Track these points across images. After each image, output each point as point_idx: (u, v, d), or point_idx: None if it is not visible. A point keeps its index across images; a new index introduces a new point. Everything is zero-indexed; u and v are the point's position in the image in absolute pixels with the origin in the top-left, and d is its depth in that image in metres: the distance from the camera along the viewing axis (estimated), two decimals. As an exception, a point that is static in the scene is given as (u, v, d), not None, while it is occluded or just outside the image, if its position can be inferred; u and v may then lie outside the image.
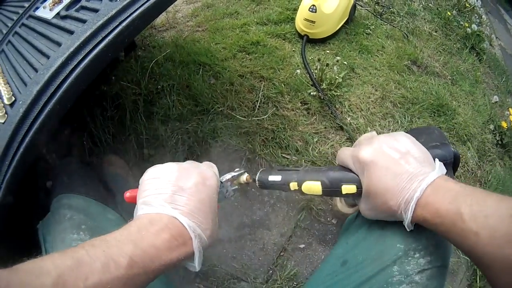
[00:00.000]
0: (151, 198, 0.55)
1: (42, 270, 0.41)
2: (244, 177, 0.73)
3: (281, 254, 1.28)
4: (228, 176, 0.70)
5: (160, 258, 0.49)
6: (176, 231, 0.52)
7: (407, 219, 0.54)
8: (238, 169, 0.73)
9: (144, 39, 1.94)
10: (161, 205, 0.53)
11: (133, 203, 0.60)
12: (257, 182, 0.73)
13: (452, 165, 0.66)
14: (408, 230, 0.56)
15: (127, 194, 0.62)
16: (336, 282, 0.64)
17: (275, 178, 0.71)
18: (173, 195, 0.55)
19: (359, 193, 0.61)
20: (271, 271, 1.24)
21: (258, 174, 0.73)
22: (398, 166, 0.54)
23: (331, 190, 0.64)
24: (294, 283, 1.21)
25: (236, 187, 0.72)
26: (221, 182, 0.69)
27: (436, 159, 0.57)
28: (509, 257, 0.42)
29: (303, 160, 1.45)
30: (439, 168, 0.55)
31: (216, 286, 1.19)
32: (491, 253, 0.44)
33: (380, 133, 0.63)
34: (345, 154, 0.63)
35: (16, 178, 0.61)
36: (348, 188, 0.62)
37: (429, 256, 0.57)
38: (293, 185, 0.68)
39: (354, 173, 0.61)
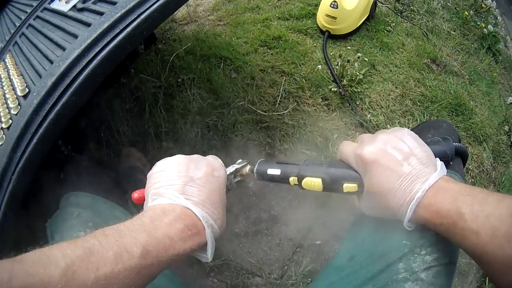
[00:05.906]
0: (162, 189, 0.53)
1: (50, 260, 0.38)
2: (247, 169, 0.70)
3: (297, 250, 1.24)
4: (231, 169, 0.68)
5: (173, 248, 0.47)
6: (190, 221, 0.51)
7: (407, 219, 0.52)
8: (240, 160, 0.71)
9: (164, 32, 1.91)
10: (174, 196, 0.52)
11: (141, 204, 0.58)
12: (255, 175, 0.70)
13: (461, 158, 0.67)
14: (409, 230, 0.55)
15: (135, 195, 0.60)
16: (343, 278, 0.63)
17: (274, 171, 0.67)
18: (184, 186, 0.53)
19: (360, 192, 0.59)
20: (286, 267, 1.20)
21: (256, 166, 0.70)
22: (401, 167, 0.52)
23: (332, 188, 0.61)
24: (309, 279, 1.17)
25: (239, 179, 0.70)
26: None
27: (438, 159, 0.55)
28: (510, 256, 0.41)
29: (322, 157, 1.40)
30: (441, 168, 0.52)
31: (230, 280, 1.16)
32: (492, 253, 0.42)
33: None
34: (348, 150, 0.60)
35: (28, 169, 0.59)
36: (350, 187, 0.59)
37: (436, 253, 0.55)
38: (293, 180, 0.64)
39: (356, 170, 0.59)
